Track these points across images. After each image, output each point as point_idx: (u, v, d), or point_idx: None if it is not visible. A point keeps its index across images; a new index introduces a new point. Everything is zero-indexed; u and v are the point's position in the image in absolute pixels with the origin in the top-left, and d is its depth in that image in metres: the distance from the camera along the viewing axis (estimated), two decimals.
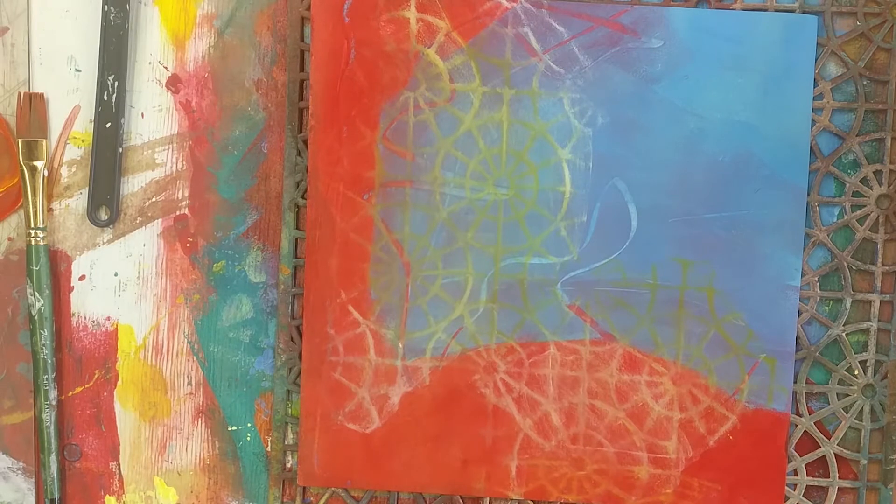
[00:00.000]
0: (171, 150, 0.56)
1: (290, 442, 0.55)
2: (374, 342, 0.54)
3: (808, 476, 0.54)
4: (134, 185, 0.56)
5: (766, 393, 0.53)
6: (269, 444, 0.56)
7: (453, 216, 0.53)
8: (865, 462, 0.54)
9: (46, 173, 0.55)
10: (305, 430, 0.54)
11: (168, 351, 0.56)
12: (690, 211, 0.53)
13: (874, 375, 0.53)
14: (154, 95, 0.56)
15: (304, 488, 0.55)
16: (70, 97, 0.56)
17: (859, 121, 0.53)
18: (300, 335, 0.55)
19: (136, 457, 0.56)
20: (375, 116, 0.53)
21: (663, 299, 0.53)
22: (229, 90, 0.55)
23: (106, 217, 0.56)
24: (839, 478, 0.54)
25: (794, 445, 0.54)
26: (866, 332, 0.54)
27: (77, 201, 0.56)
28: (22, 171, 0.55)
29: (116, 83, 0.55)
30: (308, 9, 0.53)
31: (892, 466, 0.53)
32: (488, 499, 0.54)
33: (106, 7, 0.54)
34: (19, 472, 0.56)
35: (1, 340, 0.56)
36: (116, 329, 0.56)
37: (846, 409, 0.54)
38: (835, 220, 0.54)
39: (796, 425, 0.54)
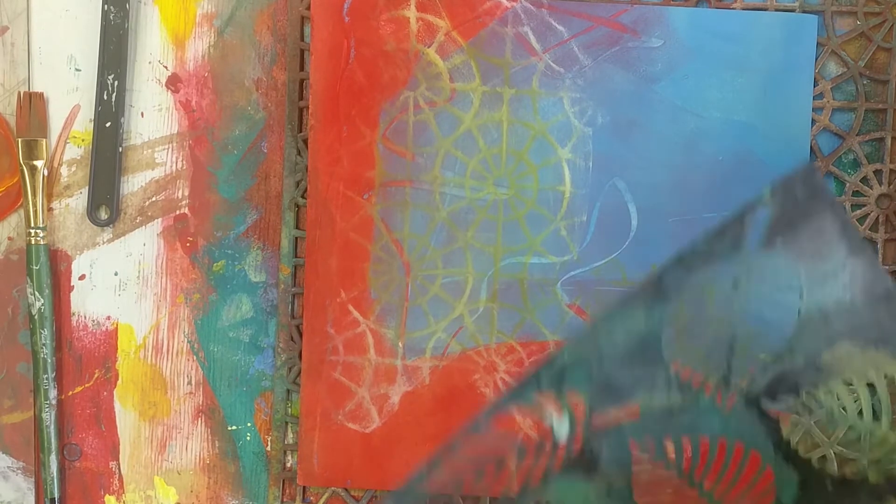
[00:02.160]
0: (170, 150, 0.56)
1: (290, 441, 0.55)
2: (374, 342, 0.54)
3: None
4: (134, 184, 0.56)
5: None
6: (269, 443, 0.56)
7: (453, 216, 0.53)
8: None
9: (46, 173, 0.55)
10: (305, 429, 0.54)
11: (168, 350, 0.56)
12: (690, 211, 0.53)
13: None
14: (154, 95, 0.56)
15: (304, 488, 0.55)
16: (70, 96, 0.56)
17: (859, 120, 0.53)
18: (300, 335, 0.55)
19: (136, 456, 0.56)
20: (375, 116, 0.53)
21: None
22: (229, 89, 0.55)
23: (106, 216, 0.56)
24: None
25: None
26: None
27: (77, 201, 0.56)
28: (22, 170, 0.55)
29: (116, 82, 0.55)
30: (308, 8, 0.53)
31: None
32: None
33: (106, 6, 0.54)
34: (19, 471, 0.56)
35: (1, 340, 0.56)
36: (116, 328, 0.56)
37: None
38: None
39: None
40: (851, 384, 0.49)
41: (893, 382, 0.49)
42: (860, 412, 0.53)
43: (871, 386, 0.54)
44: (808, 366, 0.48)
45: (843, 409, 0.53)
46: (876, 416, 0.53)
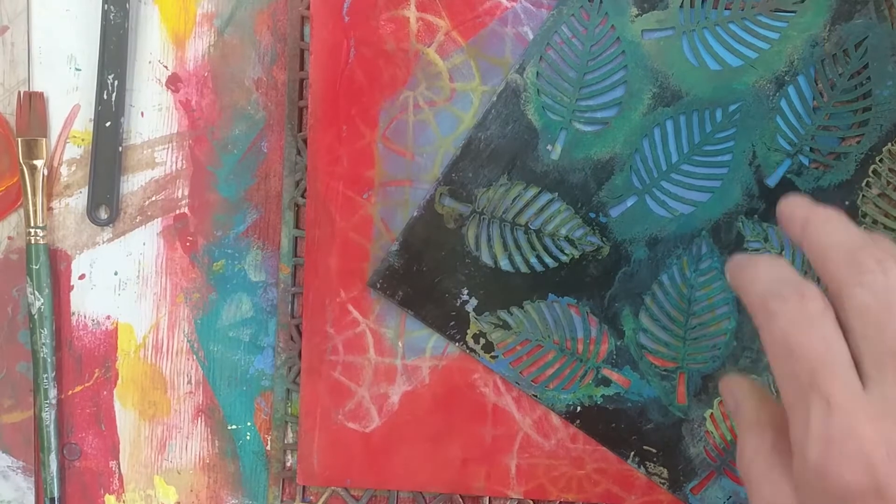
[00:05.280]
0: (170, 149, 0.56)
1: (290, 441, 0.55)
2: (373, 341, 0.54)
3: None
4: (134, 183, 0.56)
5: None
6: (269, 442, 0.56)
7: None
8: None
9: (46, 172, 0.55)
10: (305, 429, 0.54)
11: (168, 350, 0.56)
12: None
13: None
14: (154, 94, 0.56)
15: (304, 487, 0.56)
16: (70, 96, 0.56)
17: None
18: (300, 334, 0.55)
19: (136, 455, 0.56)
20: (375, 115, 0.53)
21: None
22: (229, 89, 0.55)
23: (106, 216, 0.56)
24: None
25: None
26: None
27: (77, 200, 0.56)
28: (22, 169, 0.55)
29: (116, 82, 0.55)
30: (308, 8, 0.53)
31: None
32: (488, 498, 0.55)
33: (106, 6, 0.54)
34: (19, 470, 0.56)
35: (1, 339, 0.56)
36: (116, 328, 0.56)
37: None
38: None
39: None
40: None
41: None
42: None
43: None
44: None
45: None
46: None
